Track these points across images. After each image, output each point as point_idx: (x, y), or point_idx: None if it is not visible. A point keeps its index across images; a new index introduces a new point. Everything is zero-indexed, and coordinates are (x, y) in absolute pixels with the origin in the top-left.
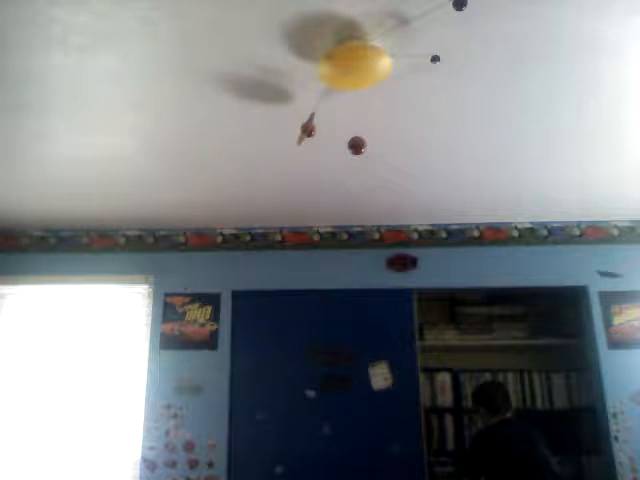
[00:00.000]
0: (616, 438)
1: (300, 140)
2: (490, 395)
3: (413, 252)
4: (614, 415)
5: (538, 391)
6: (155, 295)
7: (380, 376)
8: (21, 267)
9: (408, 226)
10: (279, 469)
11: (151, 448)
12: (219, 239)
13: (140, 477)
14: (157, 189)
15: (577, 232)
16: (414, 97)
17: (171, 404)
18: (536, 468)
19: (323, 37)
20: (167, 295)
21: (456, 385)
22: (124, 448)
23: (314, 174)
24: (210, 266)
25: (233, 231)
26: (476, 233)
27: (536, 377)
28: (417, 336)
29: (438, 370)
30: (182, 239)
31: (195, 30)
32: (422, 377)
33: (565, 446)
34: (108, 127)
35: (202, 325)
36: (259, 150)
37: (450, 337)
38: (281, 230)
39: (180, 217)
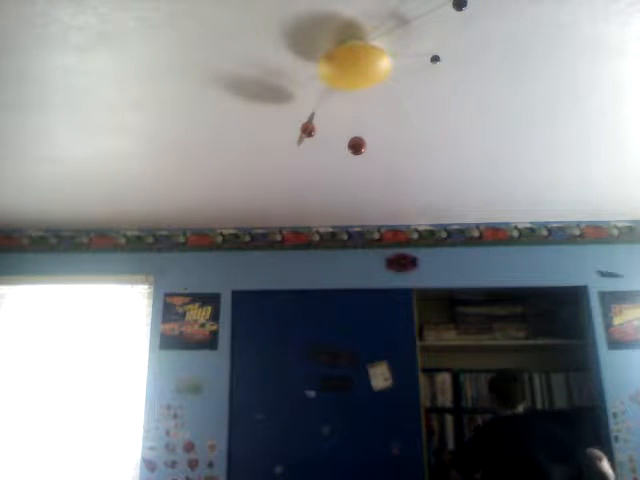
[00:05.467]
0: (616, 438)
1: (300, 140)
2: (505, 386)
3: (413, 252)
4: (614, 415)
5: (538, 391)
6: (155, 295)
7: (380, 376)
8: (21, 267)
9: (408, 226)
10: (279, 469)
11: (151, 448)
12: (219, 239)
13: (140, 477)
14: (157, 189)
15: (577, 232)
16: (414, 97)
17: (171, 404)
18: (524, 471)
19: (323, 37)
20: (167, 295)
21: (456, 385)
22: (124, 448)
23: (314, 174)
24: (210, 266)
25: (233, 231)
26: (476, 233)
27: (536, 377)
28: (417, 336)
29: (438, 370)
30: (182, 239)
31: (195, 30)
32: (422, 377)
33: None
34: (108, 127)
35: (202, 325)
36: (259, 150)
37: (450, 337)
38: (281, 230)
39: (180, 217)
